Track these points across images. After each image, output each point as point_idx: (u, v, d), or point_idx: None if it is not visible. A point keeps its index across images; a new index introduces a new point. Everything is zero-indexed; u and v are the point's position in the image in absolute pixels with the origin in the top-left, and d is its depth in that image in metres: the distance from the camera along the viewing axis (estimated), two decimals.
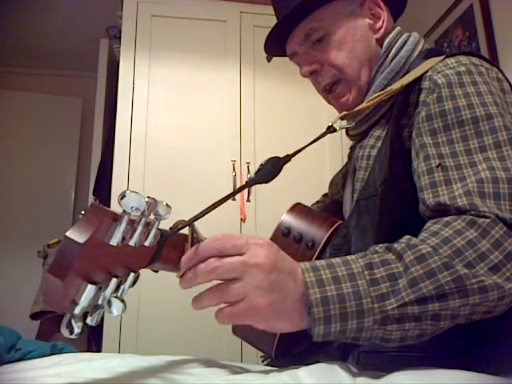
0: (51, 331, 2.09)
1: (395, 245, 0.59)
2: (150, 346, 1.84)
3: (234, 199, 2.04)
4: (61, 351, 1.01)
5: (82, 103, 3.35)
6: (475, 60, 0.73)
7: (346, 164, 1.07)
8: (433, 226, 0.60)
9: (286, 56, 0.95)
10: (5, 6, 2.65)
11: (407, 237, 0.60)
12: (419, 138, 0.70)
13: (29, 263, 2.75)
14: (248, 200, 2.07)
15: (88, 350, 2.10)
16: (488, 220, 0.57)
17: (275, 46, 0.94)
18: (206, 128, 2.15)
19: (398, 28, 0.90)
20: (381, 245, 0.60)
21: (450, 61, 0.74)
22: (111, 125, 2.27)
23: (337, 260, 0.57)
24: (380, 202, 0.72)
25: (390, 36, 0.87)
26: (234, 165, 2.09)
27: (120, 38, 2.23)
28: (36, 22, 2.88)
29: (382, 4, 0.89)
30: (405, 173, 0.72)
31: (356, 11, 0.87)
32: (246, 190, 2.06)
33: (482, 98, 0.68)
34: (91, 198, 2.57)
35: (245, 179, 2.06)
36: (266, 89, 2.25)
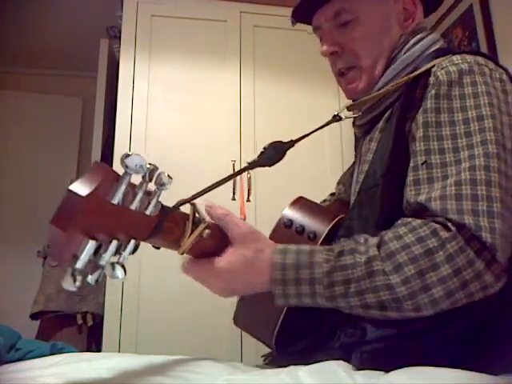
0: (51, 331, 2.09)
1: (360, 248, 0.65)
2: (150, 345, 1.84)
3: (234, 199, 2.04)
4: (61, 351, 1.01)
5: (82, 103, 3.35)
6: (480, 59, 0.73)
7: (354, 163, 1.07)
8: (400, 229, 0.64)
9: (310, 25, 0.92)
10: (5, 6, 2.65)
11: (373, 241, 0.65)
12: (415, 133, 0.71)
13: (29, 263, 2.75)
14: (248, 200, 2.07)
15: (88, 350, 2.10)
16: (448, 234, 0.60)
17: (303, 13, 0.91)
18: (205, 128, 2.15)
19: (421, 24, 0.88)
20: (361, 239, 0.67)
21: (456, 57, 0.74)
22: (111, 125, 2.27)
23: (305, 260, 0.65)
24: (381, 193, 0.72)
25: (411, 30, 0.86)
26: (234, 165, 2.09)
27: (120, 37, 2.23)
28: (36, 22, 2.87)
29: (416, 0, 0.87)
30: (406, 164, 0.73)
31: (390, 3, 0.86)
32: (246, 189, 2.06)
33: (477, 99, 0.68)
34: None
35: (245, 179, 2.06)
36: (265, 89, 2.25)
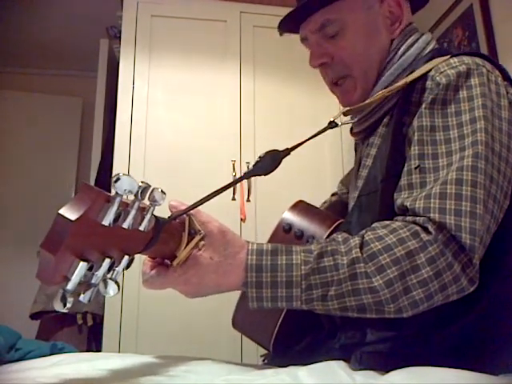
0: (51, 331, 2.09)
1: (340, 249, 0.63)
2: (150, 345, 1.83)
3: (234, 199, 2.04)
4: (61, 351, 1.01)
5: (82, 103, 3.35)
6: (478, 60, 0.73)
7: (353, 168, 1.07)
8: (380, 230, 0.64)
9: (297, 34, 0.91)
10: (5, 7, 2.65)
11: (355, 242, 0.63)
12: (411, 137, 0.71)
13: (29, 263, 2.75)
14: (248, 200, 2.07)
15: (88, 350, 2.10)
16: (428, 237, 0.60)
17: (290, 23, 0.90)
18: (205, 128, 2.15)
19: (411, 25, 0.87)
20: (339, 238, 0.65)
21: (453, 60, 0.73)
22: (111, 125, 2.27)
23: (282, 261, 0.63)
24: (380, 199, 0.72)
25: (402, 33, 0.85)
26: (234, 165, 2.09)
27: (120, 37, 2.23)
28: (36, 22, 2.87)
29: (402, 2, 0.85)
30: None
31: (375, 8, 0.84)
32: (247, 189, 2.06)
33: (472, 102, 0.68)
34: None
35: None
36: (266, 89, 2.25)
